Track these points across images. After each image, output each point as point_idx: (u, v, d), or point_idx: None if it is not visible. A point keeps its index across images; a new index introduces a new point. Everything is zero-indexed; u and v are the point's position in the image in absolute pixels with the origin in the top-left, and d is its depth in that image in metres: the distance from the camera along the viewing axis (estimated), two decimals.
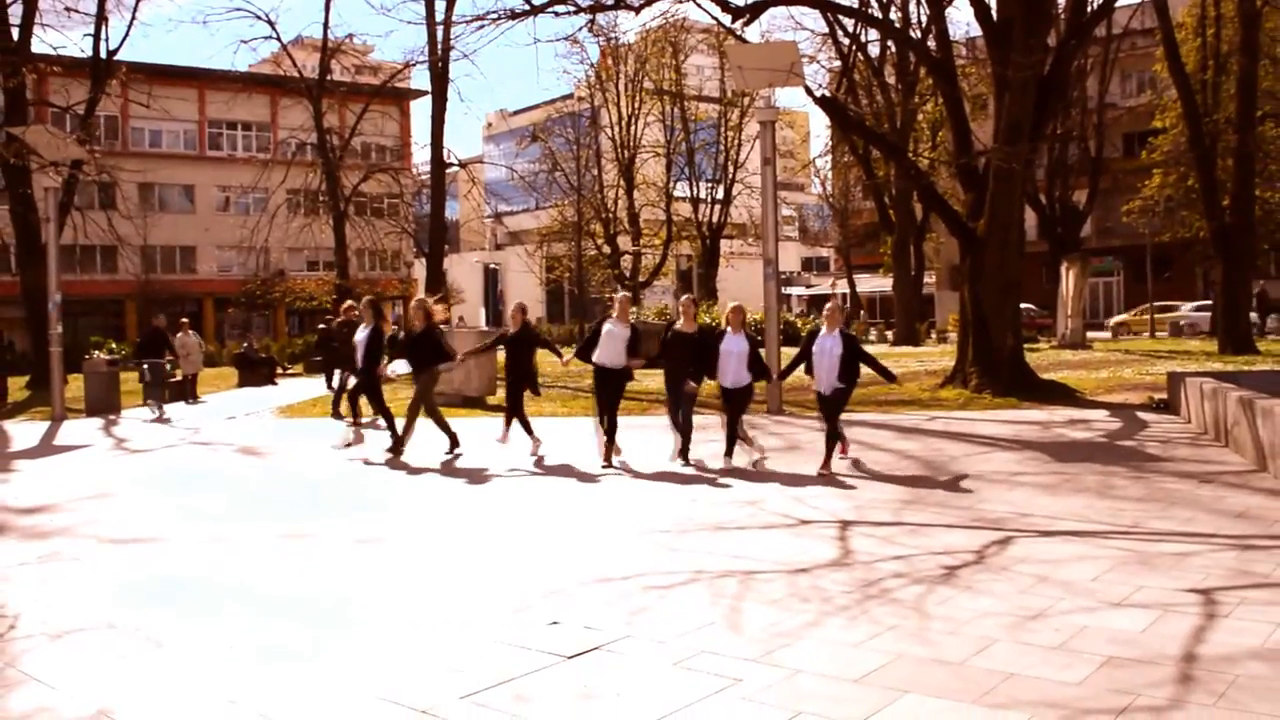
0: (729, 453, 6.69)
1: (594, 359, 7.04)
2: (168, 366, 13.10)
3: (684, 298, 7.29)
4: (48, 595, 4.18)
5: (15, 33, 17.22)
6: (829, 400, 6.45)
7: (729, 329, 6.80)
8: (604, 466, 6.88)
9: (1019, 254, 11.49)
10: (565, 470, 6.96)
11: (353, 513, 5.88)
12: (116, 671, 3.19)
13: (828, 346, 6.41)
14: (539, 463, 7.21)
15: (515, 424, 7.57)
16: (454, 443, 7.47)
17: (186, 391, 14.30)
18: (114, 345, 23.37)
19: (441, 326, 8.14)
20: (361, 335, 7.88)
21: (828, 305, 6.97)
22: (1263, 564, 3.96)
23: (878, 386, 11.80)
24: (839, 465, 6.56)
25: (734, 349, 6.65)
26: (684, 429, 6.90)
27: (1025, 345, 12.77)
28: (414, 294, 35.46)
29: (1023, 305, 13.86)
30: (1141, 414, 8.96)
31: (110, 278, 29.97)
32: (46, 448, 9.98)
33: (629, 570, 4.20)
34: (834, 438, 6.49)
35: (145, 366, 12.87)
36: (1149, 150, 24.97)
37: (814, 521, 5.07)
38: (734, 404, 6.74)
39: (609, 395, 6.99)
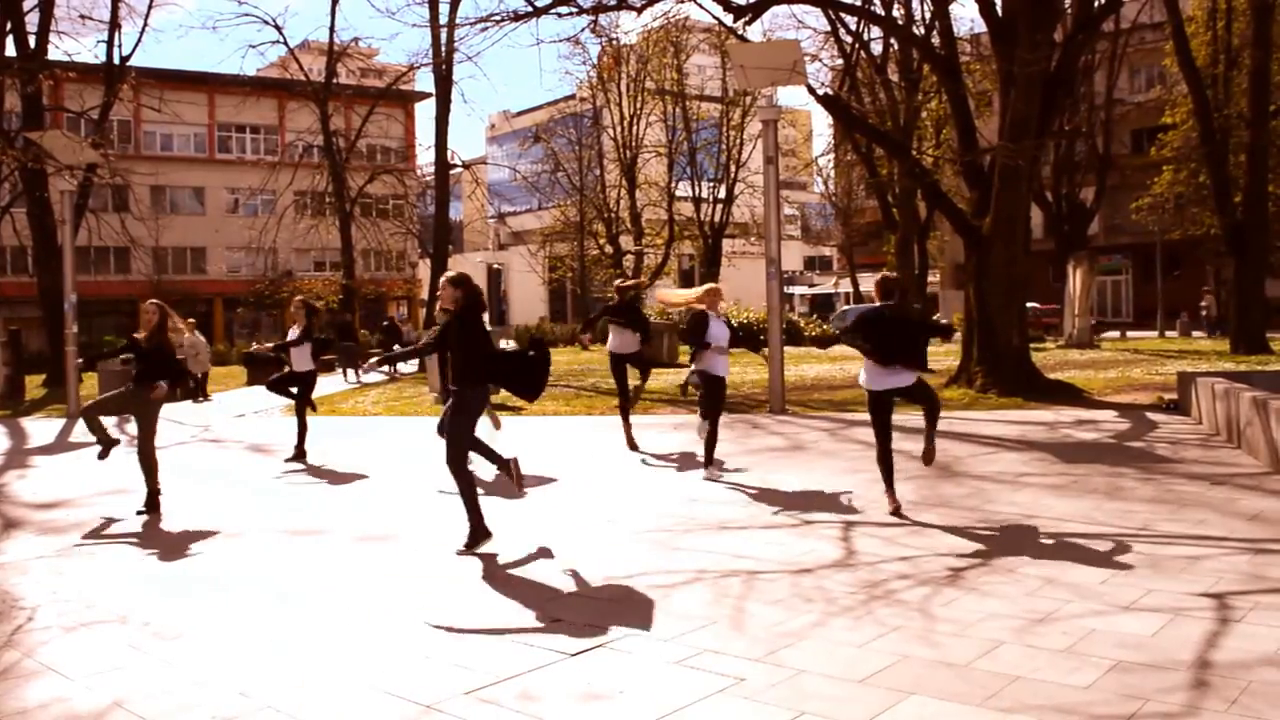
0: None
1: (609, 346, 7.61)
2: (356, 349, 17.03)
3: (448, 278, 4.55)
4: (64, 588, 4.23)
5: (32, 40, 17.43)
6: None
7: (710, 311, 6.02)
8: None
9: (1025, 252, 11.42)
10: (570, 470, 6.98)
11: (361, 510, 5.91)
12: (130, 663, 3.22)
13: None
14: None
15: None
16: (151, 502, 5.79)
17: (196, 390, 14.50)
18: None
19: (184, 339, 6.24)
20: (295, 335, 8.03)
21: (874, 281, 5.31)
22: (1277, 568, 3.91)
23: None
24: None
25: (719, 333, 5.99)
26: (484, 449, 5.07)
27: (1031, 344, 12.67)
28: (418, 294, 35.44)
29: (1029, 304, 13.76)
30: (1151, 414, 8.85)
31: (123, 278, 30.23)
32: (62, 444, 10.07)
33: (632, 569, 4.19)
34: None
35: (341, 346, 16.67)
36: (1158, 146, 24.74)
37: (817, 522, 5.05)
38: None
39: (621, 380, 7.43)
